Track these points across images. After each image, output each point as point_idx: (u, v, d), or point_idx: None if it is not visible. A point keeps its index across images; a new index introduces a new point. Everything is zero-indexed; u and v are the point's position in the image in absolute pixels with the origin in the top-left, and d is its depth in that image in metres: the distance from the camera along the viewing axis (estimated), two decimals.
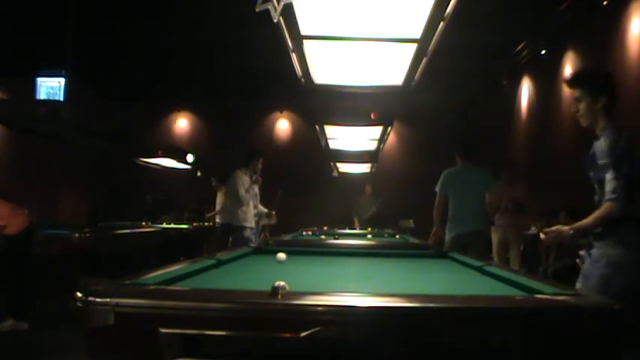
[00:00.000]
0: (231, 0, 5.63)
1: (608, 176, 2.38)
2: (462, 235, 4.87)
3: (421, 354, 1.38)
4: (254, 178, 5.94)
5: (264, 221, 6.60)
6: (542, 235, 2.59)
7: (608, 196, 2.38)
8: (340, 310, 1.40)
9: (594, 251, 2.45)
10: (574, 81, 2.63)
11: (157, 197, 10.41)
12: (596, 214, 2.42)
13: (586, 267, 2.48)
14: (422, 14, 2.59)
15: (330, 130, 6.47)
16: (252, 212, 5.92)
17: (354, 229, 8.70)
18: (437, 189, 5.11)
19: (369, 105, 5.46)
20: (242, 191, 5.72)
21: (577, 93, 2.59)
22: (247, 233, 5.78)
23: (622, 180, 2.34)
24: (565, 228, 2.47)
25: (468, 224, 4.90)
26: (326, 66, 3.55)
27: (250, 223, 5.87)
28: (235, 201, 5.78)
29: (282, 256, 2.81)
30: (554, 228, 2.51)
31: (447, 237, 4.99)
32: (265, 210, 6.45)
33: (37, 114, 6.35)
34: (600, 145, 2.45)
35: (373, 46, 3.17)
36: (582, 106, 2.57)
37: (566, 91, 7.19)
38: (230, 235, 5.92)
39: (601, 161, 2.42)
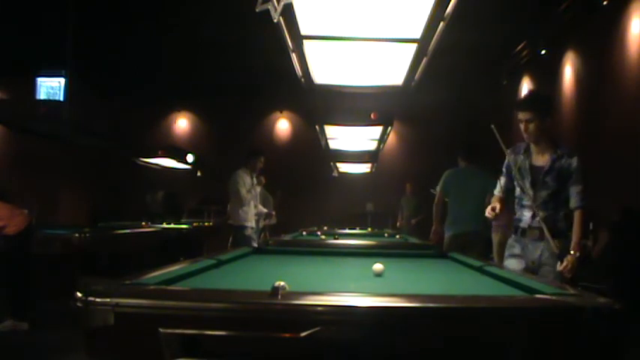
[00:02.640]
0: (231, 0, 5.63)
1: (577, 189, 2.91)
2: (460, 235, 4.89)
3: (421, 354, 1.39)
4: (257, 179, 5.95)
5: (263, 222, 6.60)
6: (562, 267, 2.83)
7: (580, 203, 2.90)
8: (340, 310, 1.40)
9: (555, 242, 2.84)
10: (528, 104, 2.98)
11: (156, 197, 10.41)
12: (579, 221, 2.90)
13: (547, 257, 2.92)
14: (422, 14, 2.59)
15: (330, 130, 6.46)
16: (252, 212, 5.93)
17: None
18: (437, 188, 5.15)
19: (369, 105, 5.45)
20: (243, 191, 5.72)
21: (528, 115, 2.93)
22: (248, 232, 5.79)
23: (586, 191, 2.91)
24: (572, 258, 2.79)
25: (466, 224, 4.91)
26: (326, 66, 3.55)
27: (251, 222, 5.88)
28: (236, 201, 5.79)
29: (379, 267, 2.38)
30: (569, 266, 2.79)
31: (446, 235, 5.02)
32: (265, 210, 6.47)
33: (37, 114, 6.35)
34: (570, 162, 2.92)
35: (373, 46, 3.16)
36: (532, 125, 2.92)
37: (566, 91, 7.20)
38: (230, 234, 5.94)
39: (574, 176, 2.91)
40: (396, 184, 9.95)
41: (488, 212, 3.04)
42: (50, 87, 6.74)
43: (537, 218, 2.92)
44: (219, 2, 6.58)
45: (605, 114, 6.12)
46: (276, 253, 3.38)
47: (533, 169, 3.00)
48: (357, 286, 2.15)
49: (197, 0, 6.83)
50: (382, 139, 7.00)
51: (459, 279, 2.49)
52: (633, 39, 5.56)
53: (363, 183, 10.87)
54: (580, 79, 6.87)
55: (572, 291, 1.67)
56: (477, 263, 2.69)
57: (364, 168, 9.85)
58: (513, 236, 3.11)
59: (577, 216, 2.92)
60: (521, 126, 2.97)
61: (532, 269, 2.93)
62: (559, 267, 2.81)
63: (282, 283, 1.47)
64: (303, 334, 1.32)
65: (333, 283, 2.26)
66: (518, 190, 3.10)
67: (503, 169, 3.21)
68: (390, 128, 6.31)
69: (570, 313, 1.45)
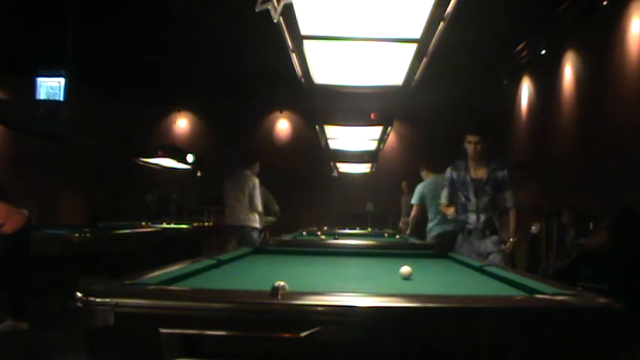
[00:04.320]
0: (231, 0, 5.63)
1: (510, 193, 3.79)
2: (443, 234, 5.13)
3: (421, 354, 1.39)
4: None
5: (264, 222, 6.63)
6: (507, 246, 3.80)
7: (514, 203, 3.79)
8: (340, 310, 1.40)
9: (494, 237, 3.79)
10: (481, 131, 3.82)
11: (157, 197, 10.40)
12: (514, 218, 3.81)
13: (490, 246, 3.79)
14: (422, 14, 2.59)
15: (330, 130, 6.46)
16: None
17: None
18: (414, 202, 5.51)
19: (369, 105, 5.46)
20: (260, 205, 5.99)
21: (476, 139, 3.75)
22: (255, 234, 5.88)
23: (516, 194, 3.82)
24: (512, 242, 3.77)
25: (447, 224, 5.06)
26: (326, 66, 3.55)
27: (258, 223, 5.99)
28: (249, 205, 5.94)
29: (407, 269, 2.29)
30: (510, 247, 3.78)
31: (429, 236, 5.31)
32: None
33: (37, 114, 6.33)
34: (503, 174, 3.79)
35: (373, 46, 3.16)
36: (479, 147, 3.75)
37: (567, 91, 7.20)
38: (234, 236, 5.98)
39: (507, 184, 3.77)
40: (396, 184, 9.92)
41: (451, 214, 3.93)
42: (50, 87, 6.72)
43: (481, 220, 3.77)
44: (219, 2, 6.58)
45: (605, 114, 6.12)
46: (276, 253, 3.37)
47: (474, 181, 3.79)
48: (357, 286, 2.15)
49: (197, 0, 6.82)
50: (382, 139, 7.00)
51: (459, 279, 2.49)
52: (633, 39, 5.56)
53: (363, 183, 10.87)
54: (580, 79, 6.86)
55: (572, 291, 1.67)
56: (476, 263, 2.69)
57: (364, 168, 9.85)
58: (461, 236, 3.89)
59: (512, 213, 3.82)
60: (470, 146, 3.76)
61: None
62: (503, 247, 3.76)
63: (282, 283, 1.47)
64: (303, 334, 1.32)
65: (333, 283, 2.26)
66: (463, 198, 3.84)
67: (446, 182, 3.99)
68: (390, 128, 6.32)
69: (570, 313, 1.45)
